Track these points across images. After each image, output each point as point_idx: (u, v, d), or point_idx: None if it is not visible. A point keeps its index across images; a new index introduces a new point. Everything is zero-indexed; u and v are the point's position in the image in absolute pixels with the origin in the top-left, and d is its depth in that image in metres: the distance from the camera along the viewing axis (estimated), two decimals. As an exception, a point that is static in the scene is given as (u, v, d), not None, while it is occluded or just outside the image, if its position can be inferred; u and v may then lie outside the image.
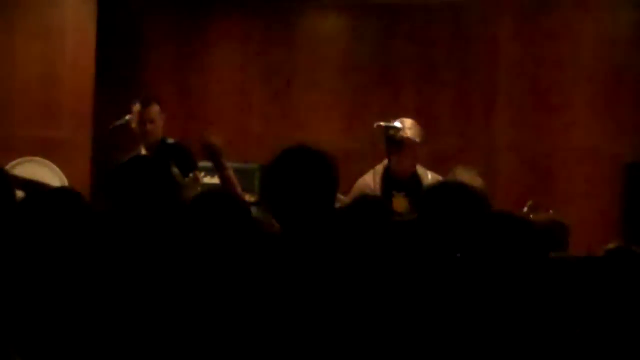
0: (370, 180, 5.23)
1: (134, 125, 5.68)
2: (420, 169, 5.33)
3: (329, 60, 7.75)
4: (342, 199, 4.55)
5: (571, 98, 7.21)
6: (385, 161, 5.26)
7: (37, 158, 6.78)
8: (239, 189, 4.50)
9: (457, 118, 7.31)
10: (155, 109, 5.72)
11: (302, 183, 2.97)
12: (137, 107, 5.72)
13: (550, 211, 4.87)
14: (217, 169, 4.52)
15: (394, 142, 5.19)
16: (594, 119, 7.14)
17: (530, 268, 2.82)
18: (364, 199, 3.46)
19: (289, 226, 2.99)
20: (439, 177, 5.26)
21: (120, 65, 7.88)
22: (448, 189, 3.28)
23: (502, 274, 2.84)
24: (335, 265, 2.92)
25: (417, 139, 5.24)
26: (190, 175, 4.81)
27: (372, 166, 5.32)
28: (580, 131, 7.16)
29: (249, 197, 7.03)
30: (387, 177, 5.22)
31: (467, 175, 5.10)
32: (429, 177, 5.27)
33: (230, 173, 4.52)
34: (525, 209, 4.89)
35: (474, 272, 2.91)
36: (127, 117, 5.69)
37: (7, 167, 6.73)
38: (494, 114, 7.38)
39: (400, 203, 5.13)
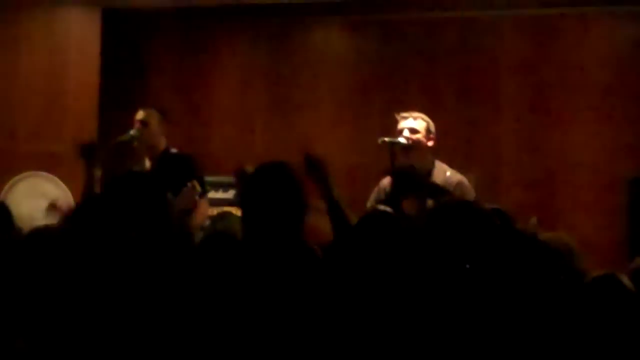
0: (386, 182, 5.16)
1: (135, 143, 5.69)
2: (439, 166, 5.16)
3: (333, 76, 7.75)
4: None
5: (574, 114, 7.21)
6: None
7: (42, 172, 6.77)
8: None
9: (460, 133, 7.31)
10: (149, 113, 5.74)
11: (271, 199, 3.04)
12: (139, 112, 5.77)
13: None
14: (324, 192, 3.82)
15: (401, 150, 5.12)
16: (597, 134, 7.14)
17: (540, 288, 2.81)
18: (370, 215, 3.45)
19: (256, 236, 3.05)
20: (459, 176, 5.13)
21: (124, 80, 7.89)
22: (453, 210, 3.26)
23: (510, 293, 2.84)
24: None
25: (423, 141, 5.17)
26: (188, 184, 4.76)
27: (377, 181, 5.28)
28: (584, 146, 7.16)
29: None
30: None
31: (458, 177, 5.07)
32: (448, 174, 5.10)
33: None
34: (528, 225, 4.86)
35: (480, 288, 2.90)
36: (132, 132, 5.69)
37: (11, 181, 6.75)
38: (497, 130, 7.38)
39: (410, 204, 5.04)
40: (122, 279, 3.08)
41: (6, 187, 6.73)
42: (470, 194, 5.06)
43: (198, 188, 4.58)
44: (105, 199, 3.33)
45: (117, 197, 3.28)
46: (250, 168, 4.27)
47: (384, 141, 5.07)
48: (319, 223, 4.55)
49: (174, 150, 5.75)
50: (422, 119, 5.23)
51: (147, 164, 5.73)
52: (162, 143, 5.74)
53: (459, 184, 5.08)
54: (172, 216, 3.37)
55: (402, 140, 5.12)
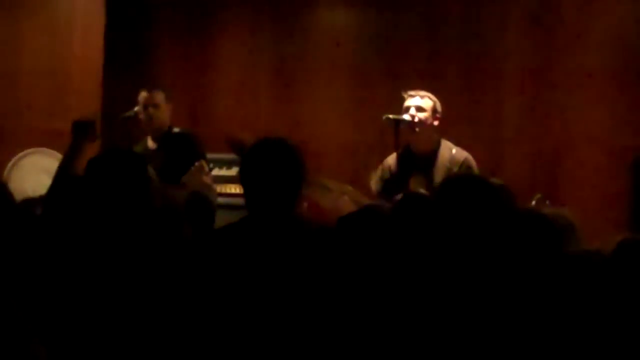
0: (391, 161, 5.19)
1: (140, 116, 5.71)
2: (444, 145, 5.23)
3: (337, 54, 7.73)
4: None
5: (580, 89, 7.17)
6: None
7: (45, 149, 6.78)
8: None
9: (464, 110, 7.29)
10: (159, 95, 5.77)
11: (271, 174, 3.02)
12: (142, 94, 5.76)
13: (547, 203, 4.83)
14: None
15: (405, 127, 5.14)
16: (602, 110, 7.09)
17: (542, 263, 2.81)
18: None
19: (257, 214, 3.04)
20: (465, 153, 5.21)
21: (127, 58, 7.88)
22: (463, 183, 3.26)
23: (515, 269, 2.84)
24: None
25: (429, 119, 5.19)
26: (196, 164, 4.74)
27: (380, 158, 5.29)
28: (589, 122, 7.12)
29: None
30: (406, 157, 5.16)
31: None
32: (453, 151, 5.19)
33: None
34: (533, 202, 4.87)
35: (485, 266, 2.90)
36: (136, 108, 5.73)
37: (15, 158, 6.77)
38: (502, 106, 7.35)
39: (418, 183, 5.07)
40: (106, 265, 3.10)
41: (10, 163, 6.76)
42: (476, 170, 5.12)
43: (206, 167, 4.58)
44: (85, 179, 3.31)
45: (97, 176, 3.26)
46: (247, 137, 4.29)
47: (389, 118, 5.13)
48: (320, 199, 4.57)
49: (176, 130, 5.77)
50: (429, 97, 5.27)
51: (150, 143, 5.74)
52: (167, 122, 5.77)
53: (466, 161, 5.17)
54: (153, 194, 3.33)
55: (406, 117, 5.16)
